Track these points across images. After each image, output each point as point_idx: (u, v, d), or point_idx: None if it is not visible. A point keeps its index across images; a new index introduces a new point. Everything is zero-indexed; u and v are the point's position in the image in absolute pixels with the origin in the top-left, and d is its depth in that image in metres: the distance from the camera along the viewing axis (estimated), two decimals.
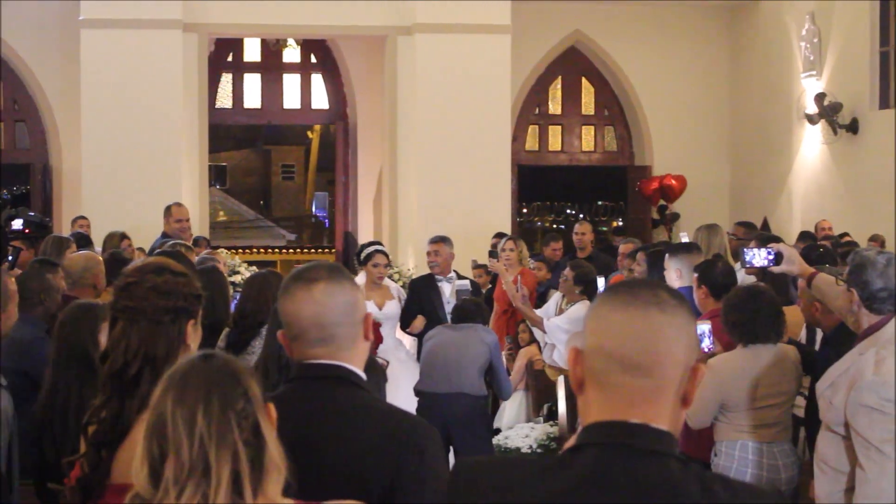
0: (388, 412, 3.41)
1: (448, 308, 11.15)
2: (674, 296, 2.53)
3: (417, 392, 9.41)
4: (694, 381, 2.51)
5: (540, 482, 2.43)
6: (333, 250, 23.07)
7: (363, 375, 3.43)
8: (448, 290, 11.42)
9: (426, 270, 12.00)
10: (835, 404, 5.33)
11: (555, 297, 11.42)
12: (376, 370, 6.06)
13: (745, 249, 6.53)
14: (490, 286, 13.19)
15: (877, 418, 5.16)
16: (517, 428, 10.75)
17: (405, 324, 11.40)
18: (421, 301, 11.42)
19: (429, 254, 11.72)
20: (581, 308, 10.69)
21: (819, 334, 7.53)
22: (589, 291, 10.84)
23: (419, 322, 11.22)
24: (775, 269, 6.38)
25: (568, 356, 2.61)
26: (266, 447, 2.64)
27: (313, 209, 45.07)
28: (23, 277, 7.79)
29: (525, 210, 31.59)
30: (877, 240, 13.64)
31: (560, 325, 10.70)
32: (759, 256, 6.35)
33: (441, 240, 11.72)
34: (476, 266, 13.41)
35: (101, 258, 8.59)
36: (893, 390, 5.17)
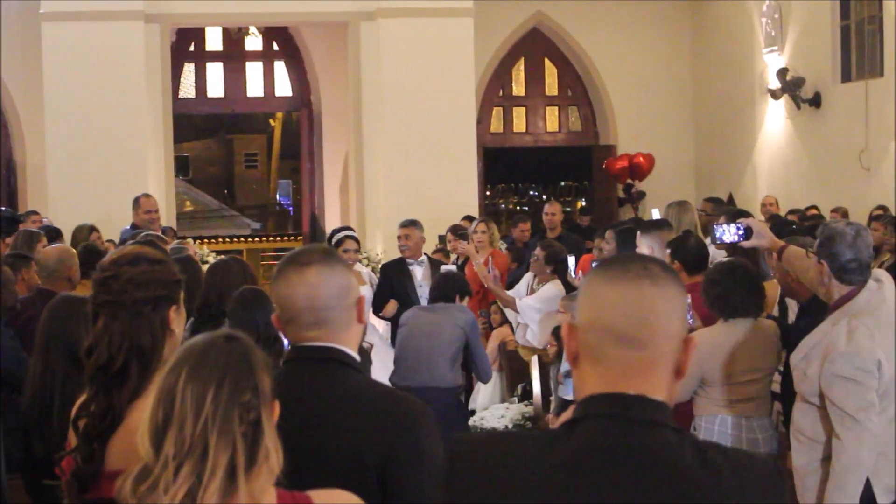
0: (382, 392, 3.44)
1: (420, 291, 11.17)
2: (664, 269, 2.56)
3: (392, 384, 9.35)
4: (687, 352, 2.53)
5: (539, 455, 2.45)
6: (300, 237, 23.03)
7: (357, 357, 3.45)
8: (420, 274, 11.42)
9: (395, 255, 12.01)
10: (809, 375, 5.39)
11: (526, 278, 11.46)
12: (362, 353, 6.06)
13: (716, 225, 6.59)
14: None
15: (851, 388, 5.22)
16: (492, 409, 10.78)
17: (377, 308, 11.36)
18: (393, 285, 11.41)
19: (399, 238, 11.69)
20: (552, 287, 10.73)
21: (791, 309, 7.59)
22: (560, 271, 10.89)
23: (391, 306, 11.20)
24: (745, 244, 6.44)
25: (562, 330, 2.65)
26: (262, 442, 2.65)
27: (277, 197, 44.95)
28: None
29: (489, 192, 31.59)
30: (839, 211, 13.75)
31: (532, 305, 10.74)
32: (728, 232, 6.41)
33: (411, 224, 11.70)
34: (437, 250, 13.35)
35: (74, 251, 8.58)
36: (867, 360, 5.23)
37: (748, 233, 6.36)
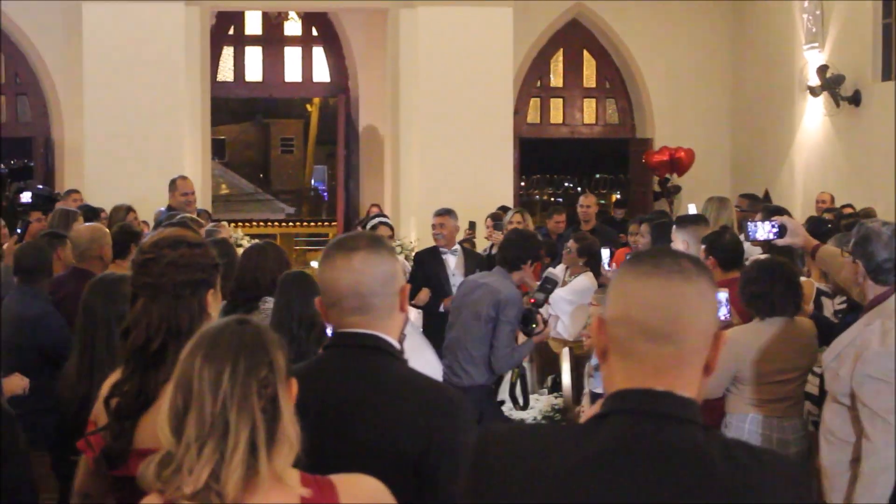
0: (422, 382, 3.44)
1: (453, 280, 11.14)
2: (696, 264, 2.54)
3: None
4: (717, 349, 2.53)
5: (566, 449, 2.45)
6: (334, 223, 23.08)
7: (398, 346, 3.46)
8: (453, 263, 11.40)
9: (429, 242, 12.00)
10: (841, 375, 5.36)
11: (558, 269, 11.46)
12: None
13: (749, 223, 6.55)
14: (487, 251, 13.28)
15: (883, 389, 5.19)
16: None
17: (410, 296, 11.30)
18: (426, 273, 11.37)
19: (434, 226, 11.63)
20: (584, 280, 10.72)
21: (827, 308, 7.55)
22: (592, 263, 10.87)
23: (424, 294, 11.17)
24: (779, 242, 6.41)
25: (592, 325, 2.64)
26: (281, 419, 2.69)
27: (312, 182, 45.04)
28: (24, 250, 7.78)
29: (524, 183, 31.57)
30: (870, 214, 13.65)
31: (564, 297, 10.72)
32: (762, 230, 6.38)
33: (446, 212, 11.64)
34: (464, 239, 13.33)
35: (107, 230, 8.62)
36: None
37: (782, 231, 6.32)
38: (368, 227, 11.00)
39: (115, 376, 3.69)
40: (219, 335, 2.77)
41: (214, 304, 3.77)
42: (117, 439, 3.56)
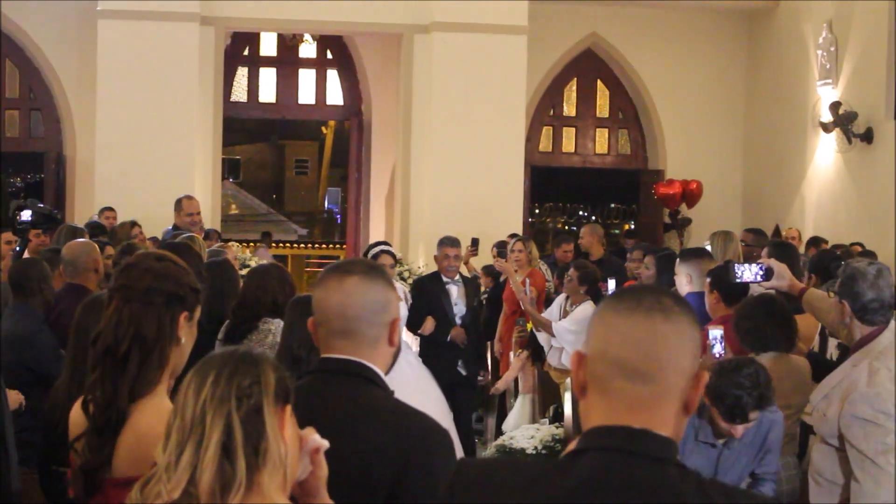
0: (402, 411, 3.41)
1: (456, 310, 11.19)
2: (678, 303, 2.52)
3: None
4: (697, 388, 2.50)
5: (540, 485, 2.43)
6: (344, 246, 23.08)
7: (383, 375, 3.44)
8: (455, 292, 11.33)
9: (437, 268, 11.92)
10: (829, 416, 5.35)
11: (558, 300, 11.43)
12: None
13: (736, 264, 6.55)
14: (491, 287, 13.25)
15: (871, 430, 5.17)
16: (522, 429, 10.73)
17: (414, 325, 11.19)
18: (429, 301, 11.26)
19: (447, 257, 11.40)
20: (586, 308, 10.70)
21: (831, 343, 7.52)
22: (593, 292, 10.86)
23: (430, 324, 11.11)
24: (765, 285, 6.42)
25: (571, 359, 2.62)
26: (265, 436, 2.67)
27: (326, 205, 45.08)
28: (21, 266, 7.79)
29: (537, 211, 31.55)
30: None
31: (567, 328, 10.70)
32: (749, 272, 6.39)
33: (458, 243, 11.57)
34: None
35: (94, 244, 8.62)
36: (887, 402, 5.17)
37: (768, 273, 6.33)
38: (370, 255, 10.87)
39: (89, 380, 3.68)
40: (214, 354, 2.80)
41: (187, 330, 3.73)
42: (95, 453, 3.53)
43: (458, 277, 11.50)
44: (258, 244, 22.59)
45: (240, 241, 19.68)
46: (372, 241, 19.01)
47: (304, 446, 2.87)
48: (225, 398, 2.67)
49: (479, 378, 11.65)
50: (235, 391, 2.68)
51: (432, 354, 11.04)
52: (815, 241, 13.95)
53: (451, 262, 11.39)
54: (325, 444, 2.90)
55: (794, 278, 6.37)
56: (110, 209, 14.59)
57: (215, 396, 2.67)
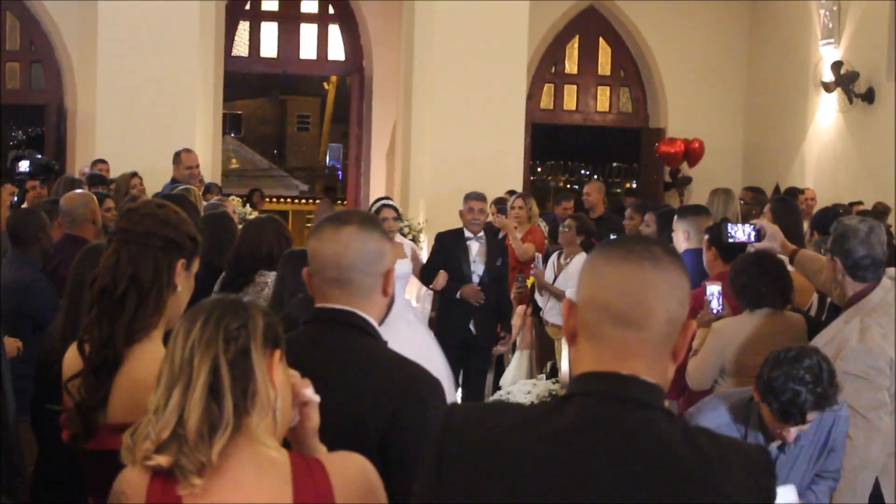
0: (394, 360, 3.44)
1: (474, 267, 10.94)
2: (668, 252, 2.56)
3: None
4: (684, 337, 2.54)
5: (527, 429, 2.47)
6: (345, 202, 23.07)
7: (376, 325, 3.47)
8: (475, 249, 11.05)
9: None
10: None
11: (552, 258, 11.45)
12: None
13: (729, 224, 6.57)
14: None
15: (862, 386, 5.19)
16: (519, 384, 10.79)
17: (427, 279, 11.10)
18: (447, 256, 11.04)
19: (472, 210, 11.11)
20: (580, 259, 10.78)
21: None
22: (587, 244, 10.91)
23: (442, 278, 10.91)
24: (757, 245, 6.42)
25: (562, 308, 2.65)
26: (254, 378, 2.71)
27: (327, 160, 45.02)
28: (18, 215, 7.83)
29: (539, 169, 31.52)
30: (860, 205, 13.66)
31: (563, 284, 10.82)
32: (742, 231, 6.40)
33: (484, 197, 11.31)
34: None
35: (93, 195, 8.65)
36: (879, 358, 5.19)
37: (760, 234, 6.34)
38: (372, 209, 10.83)
39: (86, 321, 3.71)
40: (203, 301, 2.83)
41: (184, 278, 3.77)
42: (91, 392, 3.57)
43: (481, 234, 11.17)
44: (321, 199, 22.43)
45: (240, 196, 19.63)
46: (373, 197, 19.08)
47: (295, 398, 2.90)
48: (212, 341, 2.70)
49: (502, 337, 11.28)
50: (223, 334, 2.71)
51: (445, 311, 10.98)
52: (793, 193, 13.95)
53: (475, 215, 11.08)
54: (315, 398, 2.94)
55: (786, 240, 6.38)
56: (102, 161, 14.59)
57: (203, 339, 2.70)
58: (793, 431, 4.94)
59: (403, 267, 10.51)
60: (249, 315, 2.78)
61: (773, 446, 5.04)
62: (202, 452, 2.64)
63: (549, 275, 11.22)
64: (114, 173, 13.07)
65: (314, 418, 2.94)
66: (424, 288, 11.86)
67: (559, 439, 2.42)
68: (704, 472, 2.40)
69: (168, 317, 3.68)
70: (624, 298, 2.47)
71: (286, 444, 2.88)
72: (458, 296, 10.81)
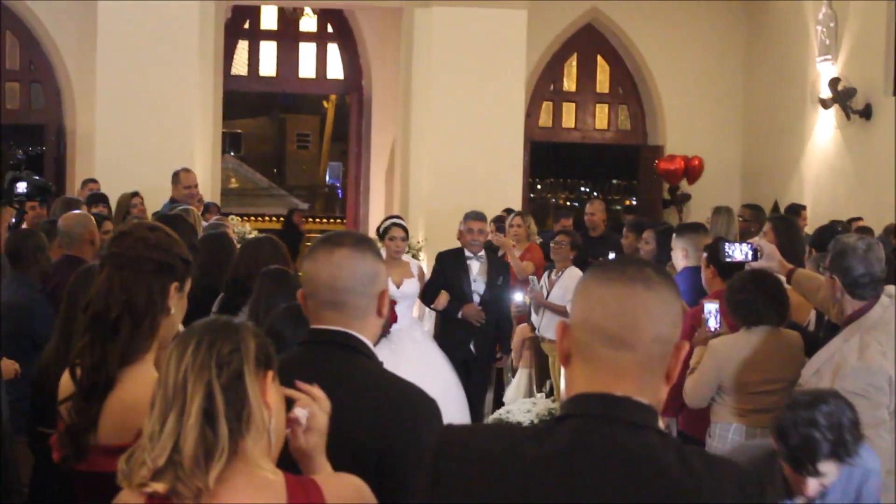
0: (389, 381, 3.44)
1: (475, 286, 10.93)
2: (660, 273, 2.58)
3: None
4: (678, 358, 2.55)
5: (522, 450, 2.47)
6: (345, 221, 23.07)
7: (371, 346, 3.48)
8: (476, 269, 11.04)
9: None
10: None
11: (543, 275, 11.46)
12: None
13: (726, 244, 6.56)
14: None
15: (862, 404, 5.18)
16: (519, 403, 10.75)
17: (428, 299, 11.05)
18: (447, 275, 11.03)
19: (471, 230, 11.09)
20: (572, 270, 10.86)
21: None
22: (579, 260, 10.97)
23: (443, 298, 10.90)
24: (754, 265, 6.42)
25: (556, 329, 2.66)
26: (247, 402, 2.72)
27: (327, 179, 44.99)
28: (17, 237, 7.86)
29: (538, 186, 31.55)
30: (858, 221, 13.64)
31: (557, 299, 10.85)
32: (739, 251, 6.40)
33: (484, 217, 11.30)
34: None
35: (90, 216, 8.68)
36: (878, 376, 5.19)
37: (757, 253, 6.35)
38: (382, 228, 10.81)
39: (79, 345, 3.71)
40: (195, 324, 2.84)
41: (177, 300, 3.77)
42: (80, 415, 3.57)
43: (482, 253, 11.15)
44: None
45: (240, 216, 19.65)
46: (372, 215, 19.11)
47: (289, 415, 2.92)
48: (205, 366, 2.71)
49: (498, 358, 11.38)
50: (216, 359, 2.72)
51: (446, 331, 10.96)
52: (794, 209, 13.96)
53: (474, 236, 11.06)
54: (302, 419, 2.96)
55: (783, 259, 6.39)
56: (94, 181, 14.59)
57: (195, 364, 2.71)
58: (811, 485, 4.58)
59: (411, 287, 10.51)
60: (241, 338, 2.79)
61: (797, 502, 4.70)
62: (199, 478, 2.65)
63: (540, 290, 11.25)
64: (113, 193, 13.06)
65: (301, 437, 2.96)
66: (426, 308, 11.84)
67: (553, 461, 2.43)
68: (698, 492, 2.41)
69: (161, 339, 3.69)
70: (616, 319, 2.49)
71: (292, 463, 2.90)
72: (459, 315, 10.79)
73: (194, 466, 2.65)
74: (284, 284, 5.71)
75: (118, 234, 3.83)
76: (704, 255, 7.56)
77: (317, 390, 3.04)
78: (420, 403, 3.38)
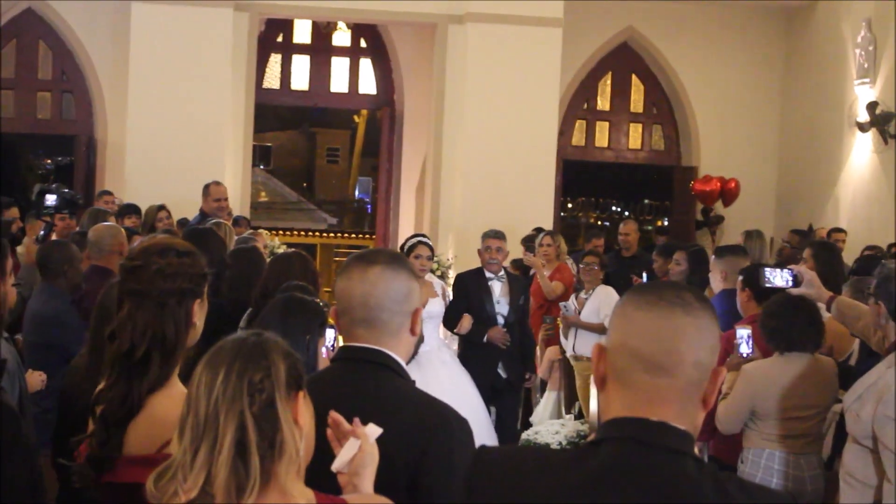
0: (422, 399, 3.44)
1: (498, 308, 10.66)
2: (699, 298, 2.56)
3: None
4: (714, 383, 2.54)
5: (557, 474, 2.48)
6: (374, 236, 23.04)
7: (403, 364, 3.46)
8: (498, 289, 10.74)
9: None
10: (862, 417, 5.29)
11: (572, 297, 11.41)
12: None
13: (767, 269, 6.50)
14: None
15: None
16: (547, 424, 10.67)
17: (451, 323, 10.72)
18: (469, 298, 10.73)
19: (489, 249, 10.82)
20: (602, 288, 10.88)
21: None
22: (608, 278, 10.96)
23: (466, 322, 10.57)
24: (794, 291, 6.36)
25: (592, 352, 2.61)
26: (280, 429, 2.68)
27: (356, 194, 45.11)
28: (48, 248, 7.90)
29: (570, 205, 31.50)
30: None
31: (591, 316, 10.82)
32: (779, 277, 6.35)
33: (503, 236, 10.96)
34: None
35: (119, 227, 8.72)
36: None
37: (797, 279, 6.28)
38: (407, 246, 10.58)
39: (102, 383, 3.65)
40: (224, 344, 2.78)
41: (200, 313, 3.74)
42: (103, 446, 3.54)
43: (502, 273, 10.88)
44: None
45: (269, 230, 19.61)
46: (402, 231, 19.04)
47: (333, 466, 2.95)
48: (237, 397, 2.67)
49: (527, 379, 11.24)
50: (247, 388, 2.68)
51: (471, 355, 10.70)
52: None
53: (493, 254, 10.79)
54: (343, 469, 2.96)
55: (822, 286, 6.32)
56: (108, 193, 14.59)
57: (227, 395, 2.67)
58: None
59: (435, 306, 10.25)
60: (272, 362, 2.73)
61: None
62: None
63: (570, 310, 11.18)
64: (143, 204, 13.07)
65: (350, 484, 2.96)
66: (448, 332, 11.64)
67: (589, 485, 2.43)
68: None
69: (188, 351, 3.66)
70: (655, 345, 2.48)
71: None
72: (484, 339, 10.59)
73: (227, 499, 2.62)
74: (291, 316, 5.44)
75: (132, 268, 3.70)
76: (740, 278, 7.47)
77: (359, 428, 3.00)
78: (453, 423, 3.37)
